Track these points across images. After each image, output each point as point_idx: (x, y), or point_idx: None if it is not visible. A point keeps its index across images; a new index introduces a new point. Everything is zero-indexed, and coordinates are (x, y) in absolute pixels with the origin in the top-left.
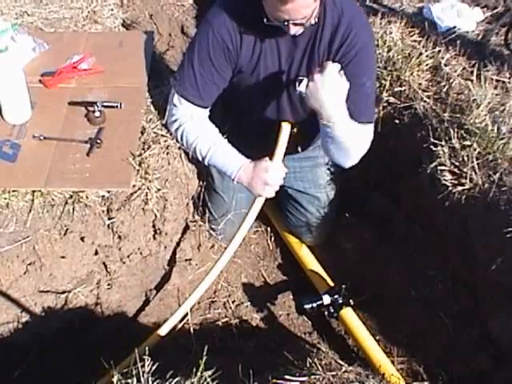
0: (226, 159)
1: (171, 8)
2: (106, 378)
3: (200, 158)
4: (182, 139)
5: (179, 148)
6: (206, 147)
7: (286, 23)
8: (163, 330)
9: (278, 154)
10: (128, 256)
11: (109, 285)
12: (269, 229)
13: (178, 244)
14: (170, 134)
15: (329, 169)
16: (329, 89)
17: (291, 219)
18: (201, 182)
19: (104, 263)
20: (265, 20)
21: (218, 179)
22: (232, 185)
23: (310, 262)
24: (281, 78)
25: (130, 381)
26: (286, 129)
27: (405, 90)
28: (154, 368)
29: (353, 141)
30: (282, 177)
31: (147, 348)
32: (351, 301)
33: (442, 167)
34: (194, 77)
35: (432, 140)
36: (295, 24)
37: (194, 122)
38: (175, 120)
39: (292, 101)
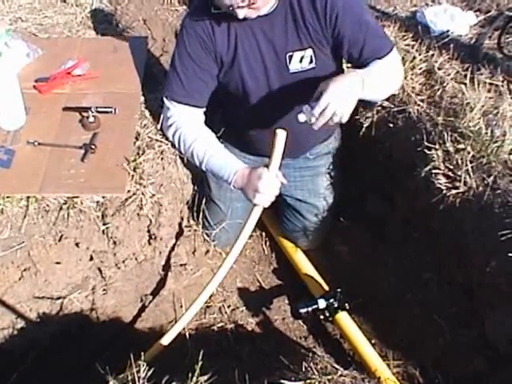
0: (222, 163)
1: (165, 13)
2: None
3: (197, 163)
4: (178, 144)
5: (174, 153)
6: (202, 151)
7: (230, 8)
8: (165, 340)
9: (273, 162)
10: (123, 261)
11: (104, 290)
12: (264, 233)
13: (172, 249)
14: (166, 139)
15: (329, 177)
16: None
17: (287, 225)
18: (195, 187)
19: (99, 269)
20: (212, 9)
21: (215, 188)
22: (229, 194)
23: (305, 266)
24: (265, 62)
25: None
26: (281, 136)
27: (399, 93)
28: (149, 373)
29: (388, 78)
30: (275, 187)
31: (142, 354)
32: (347, 304)
33: (437, 170)
34: (178, 77)
35: (426, 143)
36: (240, 7)
37: (190, 125)
38: (171, 125)
39: (284, 85)
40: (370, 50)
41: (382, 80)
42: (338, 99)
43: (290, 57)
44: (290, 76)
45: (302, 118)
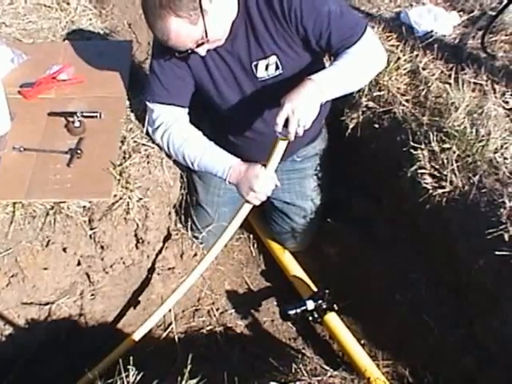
0: (216, 159)
1: None
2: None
3: (189, 163)
4: (168, 146)
5: (160, 157)
6: (194, 150)
7: (189, 51)
8: (137, 335)
9: (272, 163)
10: (111, 266)
11: (92, 295)
12: (251, 236)
13: (160, 253)
14: (153, 142)
15: (316, 179)
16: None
17: (275, 227)
18: (182, 191)
19: (87, 274)
20: (176, 53)
21: (202, 193)
22: (216, 199)
23: (294, 267)
24: (234, 72)
25: None
26: (283, 140)
27: (384, 94)
28: (138, 378)
29: (363, 65)
30: (270, 188)
31: (131, 358)
32: (335, 305)
33: (423, 170)
34: (157, 79)
35: (412, 143)
36: (197, 47)
37: (177, 126)
38: (158, 127)
39: (256, 92)
40: (337, 40)
41: (354, 70)
42: (296, 110)
43: (256, 66)
44: (260, 83)
45: (282, 143)
